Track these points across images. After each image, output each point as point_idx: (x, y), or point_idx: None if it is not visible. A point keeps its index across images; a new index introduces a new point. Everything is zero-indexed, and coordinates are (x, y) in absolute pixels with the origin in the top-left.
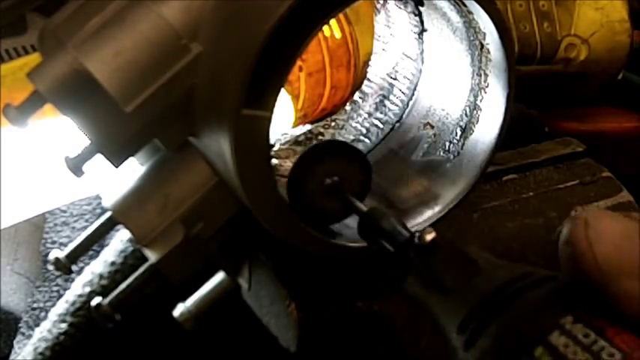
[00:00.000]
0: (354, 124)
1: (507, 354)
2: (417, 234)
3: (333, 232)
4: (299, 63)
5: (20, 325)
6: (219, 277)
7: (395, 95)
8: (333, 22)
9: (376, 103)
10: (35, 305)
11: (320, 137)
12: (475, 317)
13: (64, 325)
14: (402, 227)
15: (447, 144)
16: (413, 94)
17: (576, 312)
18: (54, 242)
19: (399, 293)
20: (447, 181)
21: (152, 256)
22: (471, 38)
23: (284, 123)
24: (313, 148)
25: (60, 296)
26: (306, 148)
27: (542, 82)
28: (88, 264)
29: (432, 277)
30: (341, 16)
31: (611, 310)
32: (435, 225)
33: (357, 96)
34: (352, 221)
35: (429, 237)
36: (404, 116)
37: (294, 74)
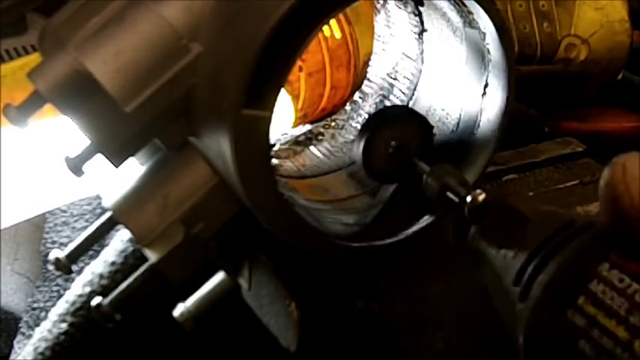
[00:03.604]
0: (354, 124)
1: (556, 304)
2: (469, 197)
3: (333, 231)
4: (299, 63)
5: (20, 325)
6: (219, 277)
7: (395, 95)
8: (333, 22)
9: (376, 103)
10: (35, 305)
11: (320, 137)
12: (526, 271)
13: (64, 325)
14: (461, 185)
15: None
16: (413, 94)
17: (611, 259)
18: (54, 242)
19: (464, 247)
20: None
21: (152, 256)
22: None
23: (284, 123)
24: (379, 113)
25: (60, 296)
26: (372, 113)
27: (542, 82)
28: (88, 264)
29: (487, 233)
30: (341, 16)
31: None
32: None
33: (357, 96)
34: (351, 219)
35: (481, 197)
36: None
37: (294, 74)
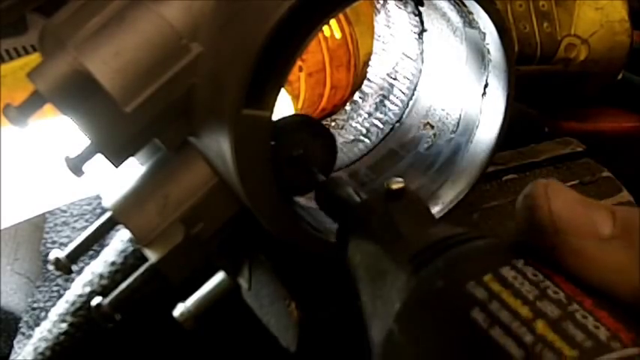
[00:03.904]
0: (354, 124)
1: (456, 275)
2: (386, 182)
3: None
4: (299, 63)
5: (20, 325)
6: (219, 277)
7: (395, 95)
8: (333, 22)
9: (376, 103)
10: (35, 305)
11: None
12: (432, 249)
13: (64, 325)
14: (356, 194)
15: (447, 144)
16: (413, 94)
17: (527, 259)
18: (54, 242)
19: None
20: (447, 181)
21: (152, 256)
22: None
23: None
24: (283, 119)
25: (60, 296)
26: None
27: (542, 82)
28: (88, 264)
29: (388, 223)
30: (341, 16)
31: (554, 263)
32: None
33: (357, 96)
34: None
35: (396, 186)
36: (404, 116)
37: (294, 74)
